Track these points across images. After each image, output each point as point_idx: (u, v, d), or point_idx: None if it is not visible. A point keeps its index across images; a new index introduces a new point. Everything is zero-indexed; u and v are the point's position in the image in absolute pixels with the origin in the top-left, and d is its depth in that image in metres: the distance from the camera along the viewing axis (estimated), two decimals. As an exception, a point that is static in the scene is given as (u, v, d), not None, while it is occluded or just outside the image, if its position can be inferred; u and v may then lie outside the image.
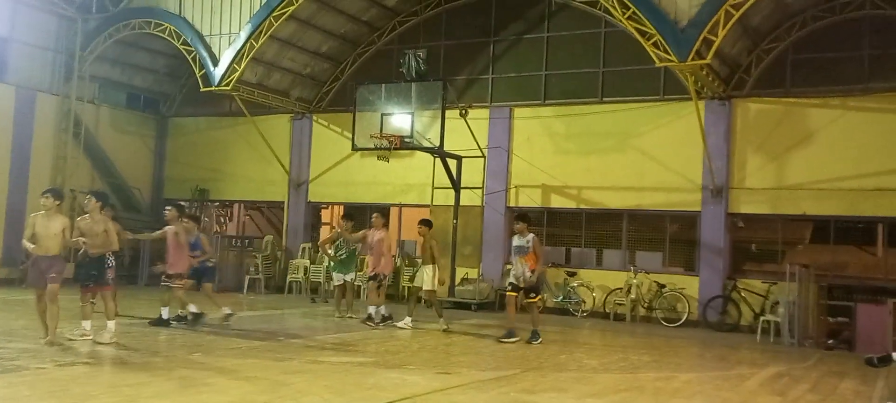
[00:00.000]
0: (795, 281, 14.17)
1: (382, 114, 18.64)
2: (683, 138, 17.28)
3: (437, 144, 18.00)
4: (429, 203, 19.35)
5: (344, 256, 15.12)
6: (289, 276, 20.68)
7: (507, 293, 12.91)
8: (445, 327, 13.55)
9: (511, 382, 8.96)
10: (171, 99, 24.74)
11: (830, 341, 14.10)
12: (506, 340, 12.31)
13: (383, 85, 19.17)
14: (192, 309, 12.70)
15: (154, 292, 14.16)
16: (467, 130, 18.46)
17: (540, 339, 12.41)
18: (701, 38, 14.72)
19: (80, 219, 10.73)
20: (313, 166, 22.00)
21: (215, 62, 19.77)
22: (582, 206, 18.66)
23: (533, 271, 12.38)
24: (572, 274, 18.23)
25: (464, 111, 18.37)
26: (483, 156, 19.06)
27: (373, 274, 14.31)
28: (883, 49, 16.19)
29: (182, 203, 16.09)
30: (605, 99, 18.58)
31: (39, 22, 21.17)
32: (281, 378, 8.40)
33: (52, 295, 9.74)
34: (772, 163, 16.89)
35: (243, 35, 19.30)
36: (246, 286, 20.43)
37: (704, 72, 15.84)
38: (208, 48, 19.97)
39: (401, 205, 20.70)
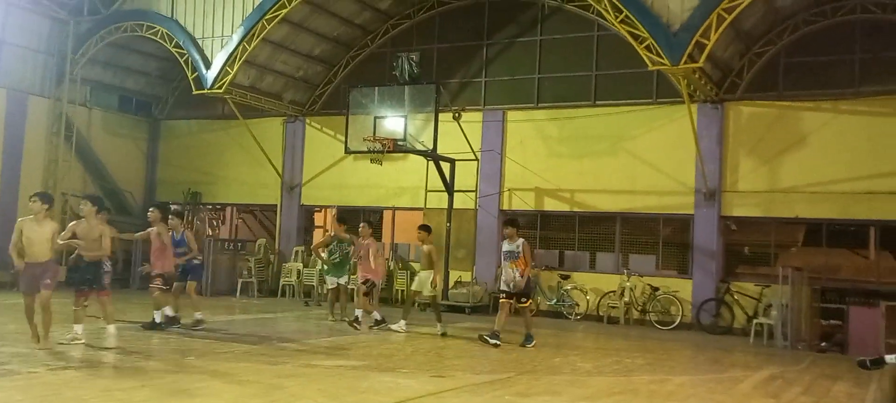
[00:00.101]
0: (788, 283, 14.20)
1: (375, 117, 18.61)
2: (676, 141, 17.31)
3: (431, 147, 17.98)
4: (422, 206, 19.35)
5: (337, 260, 15.14)
6: (282, 280, 20.66)
7: (501, 299, 12.78)
8: (444, 331, 13.53)
9: (505, 385, 8.96)
10: (164, 102, 24.65)
11: (823, 344, 14.15)
12: (488, 339, 12.19)
13: (376, 88, 19.11)
14: (168, 311, 12.67)
15: (146, 295, 14.12)
16: (460, 133, 18.50)
17: (534, 342, 12.41)
18: (693, 41, 14.74)
19: (76, 223, 10.69)
20: (306, 169, 21.95)
21: (208, 65, 19.71)
22: (575, 209, 18.69)
23: (522, 275, 12.35)
24: (566, 277, 18.25)
25: (457, 114, 18.38)
26: (476, 159, 19.12)
27: (364, 280, 14.41)
28: (874, 53, 16.27)
29: (174, 206, 16.03)
30: (598, 102, 18.61)
31: (31, 24, 21.06)
32: (274, 381, 8.38)
33: (44, 301, 9.68)
34: (764, 166, 16.95)
35: (236, 38, 19.24)
36: (239, 289, 20.37)
37: (697, 76, 15.89)
38: (201, 51, 19.91)
39: (394, 209, 20.69)
